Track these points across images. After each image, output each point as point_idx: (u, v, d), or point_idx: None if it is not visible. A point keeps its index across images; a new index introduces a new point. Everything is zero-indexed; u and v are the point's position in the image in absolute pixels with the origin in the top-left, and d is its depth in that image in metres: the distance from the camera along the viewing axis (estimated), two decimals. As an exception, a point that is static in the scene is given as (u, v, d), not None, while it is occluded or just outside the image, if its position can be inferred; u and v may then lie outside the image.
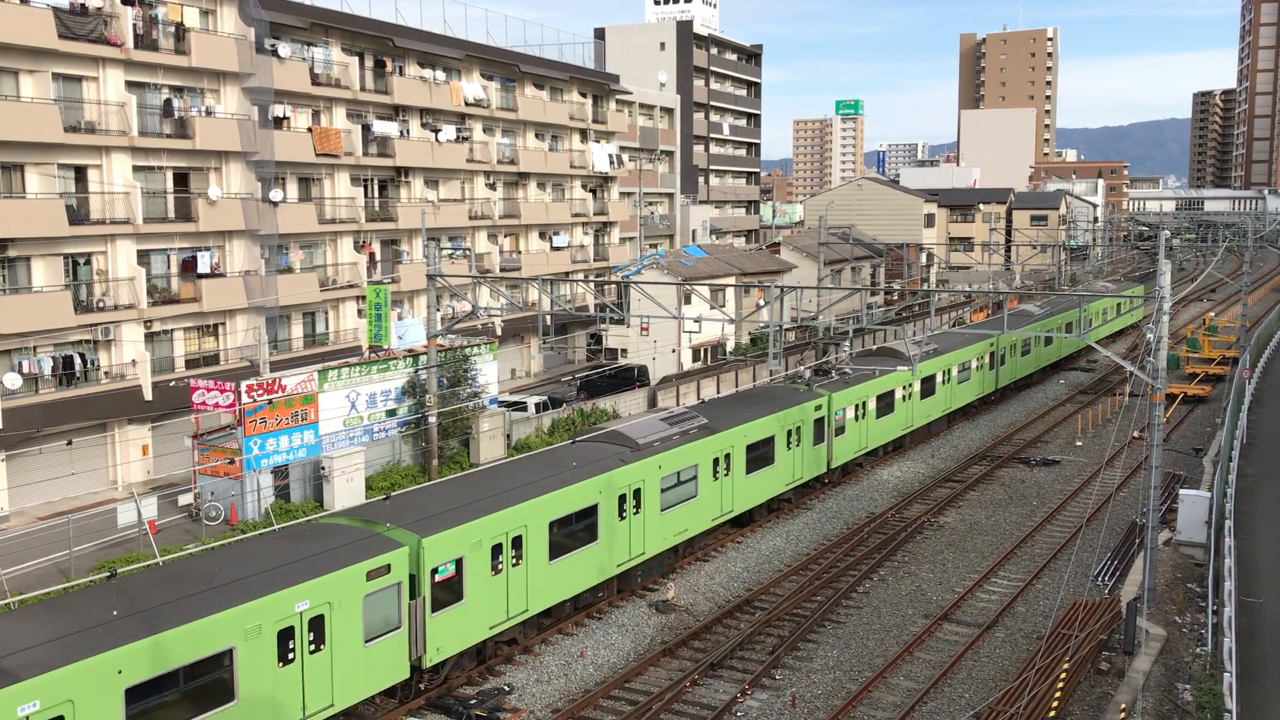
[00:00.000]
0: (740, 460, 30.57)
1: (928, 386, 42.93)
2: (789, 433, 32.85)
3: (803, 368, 42.53)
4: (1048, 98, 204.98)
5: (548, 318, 37.10)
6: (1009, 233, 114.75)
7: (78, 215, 35.10)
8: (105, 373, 35.87)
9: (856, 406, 37.03)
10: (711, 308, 44.62)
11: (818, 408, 34.64)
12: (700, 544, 30.04)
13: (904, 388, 40.63)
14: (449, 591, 21.14)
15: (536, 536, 23.41)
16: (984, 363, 48.58)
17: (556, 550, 24.03)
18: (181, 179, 39.40)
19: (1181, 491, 30.52)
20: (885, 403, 39.33)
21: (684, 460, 28.18)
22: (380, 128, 48.22)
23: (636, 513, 26.41)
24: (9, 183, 33.85)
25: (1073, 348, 61.84)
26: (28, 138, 33.01)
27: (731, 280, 58.29)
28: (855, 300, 69.22)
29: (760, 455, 31.55)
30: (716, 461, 29.54)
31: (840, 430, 36.11)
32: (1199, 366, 57.27)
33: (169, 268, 38.78)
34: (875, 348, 46.47)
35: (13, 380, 32.26)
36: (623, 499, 25.89)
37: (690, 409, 30.96)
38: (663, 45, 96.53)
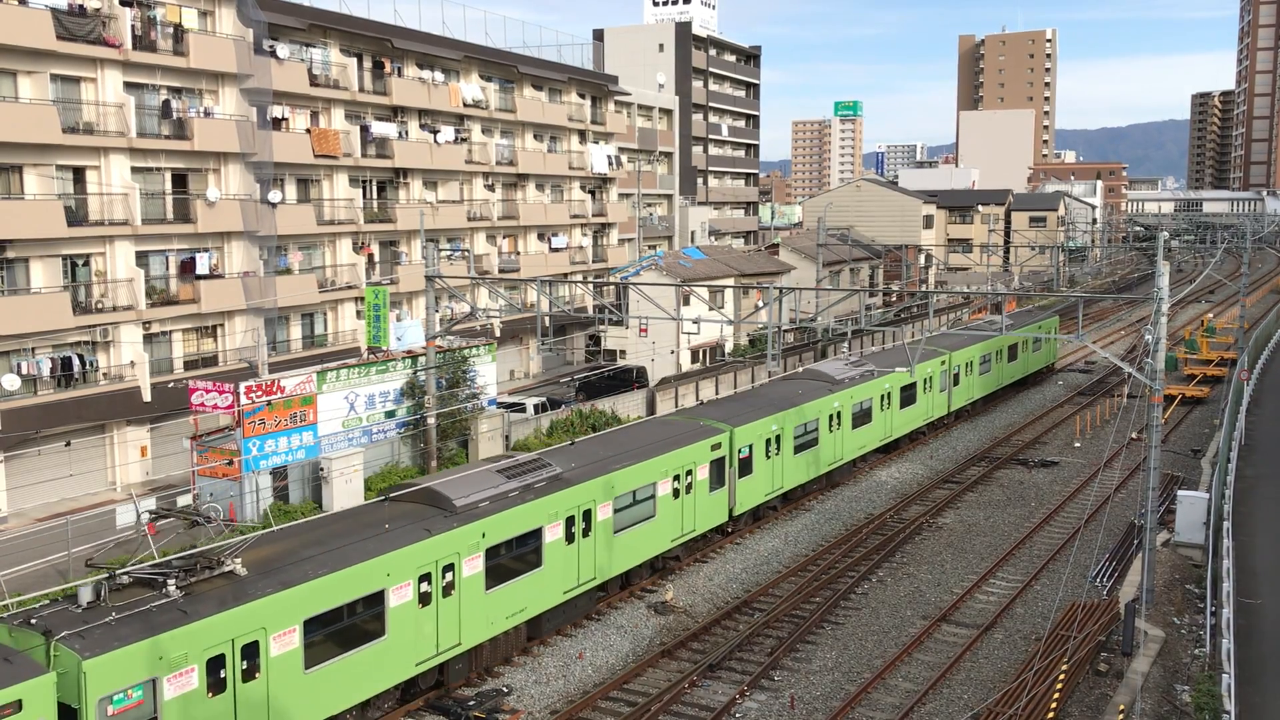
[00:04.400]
0: (605, 517, 25.34)
1: (861, 413, 38.01)
2: (677, 477, 27.89)
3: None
4: (1046, 99, 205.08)
5: (546, 319, 37.08)
6: (1008, 234, 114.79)
7: (76, 216, 35.10)
8: (104, 374, 35.86)
9: (768, 441, 32.06)
10: (710, 309, 44.70)
11: (715, 446, 29.63)
12: (549, 626, 24.37)
13: (832, 416, 35.85)
14: None
15: (284, 642, 17.91)
16: (932, 383, 43.86)
17: (317, 656, 18.62)
18: (180, 180, 39.40)
19: (1180, 493, 30.53)
20: (805, 435, 34.41)
21: (522, 523, 22.90)
22: (379, 129, 48.23)
23: (448, 595, 21.12)
24: (7, 184, 33.84)
25: (1042, 361, 57.71)
26: (26, 139, 33.00)
27: (730, 281, 58.31)
28: (854, 302, 69.29)
29: (635, 508, 26.41)
30: (571, 521, 24.30)
31: (745, 470, 31.03)
32: (1197, 368, 57.32)
33: (167, 269, 38.78)
34: (801, 369, 40.25)
35: (11, 381, 32.24)
36: (427, 578, 20.66)
37: (542, 455, 25.50)
38: (661, 46, 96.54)
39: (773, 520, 33.64)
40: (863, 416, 37.88)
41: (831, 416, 35.67)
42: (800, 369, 40.87)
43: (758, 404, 33.21)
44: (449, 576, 21.20)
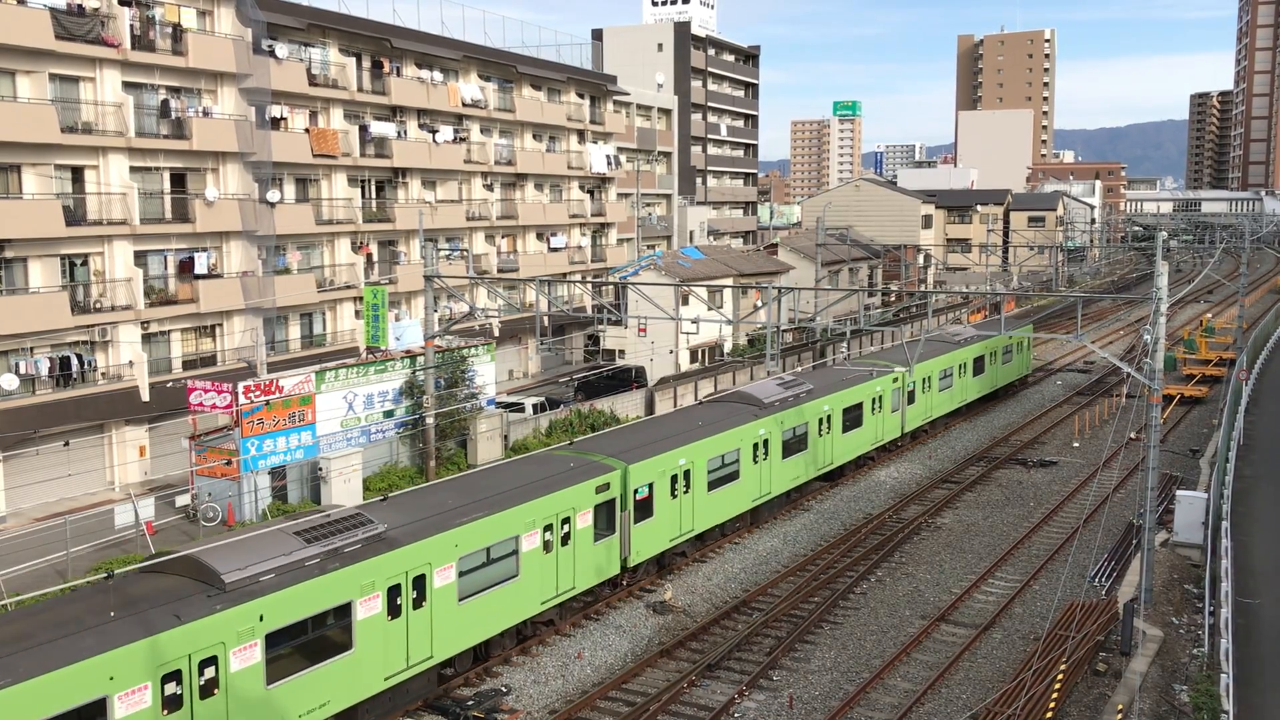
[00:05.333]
0: (446, 583, 20.98)
1: (794, 440, 33.84)
2: (549, 527, 23.61)
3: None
4: (1045, 99, 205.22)
5: (545, 319, 37.11)
6: (1006, 234, 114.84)
7: (75, 216, 35.08)
8: (102, 374, 35.84)
9: (673, 478, 27.76)
10: (709, 309, 44.70)
11: (602, 487, 25.22)
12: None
13: (757, 445, 31.69)
14: None
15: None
16: (881, 403, 39.64)
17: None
18: (179, 180, 39.38)
19: (1178, 493, 30.54)
20: (723, 468, 30.17)
21: (322, 598, 18.59)
22: (378, 128, 48.22)
23: (209, 696, 16.83)
24: (6, 183, 33.82)
25: (1014, 373, 53.75)
26: (24, 138, 32.98)
27: (729, 281, 58.31)
28: (853, 301, 69.33)
29: (490, 568, 22.19)
30: (397, 590, 19.91)
31: (644, 512, 26.88)
32: (1196, 368, 57.35)
33: (166, 269, 38.76)
34: (730, 391, 35.44)
35: (10, 381, 32.23)
36: (175, 677, 16.28)
37: (364, 510, 21.15)
38: (660, 46, 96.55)
39: (772, 520, 33.64)
40: (796, 443, 33.76)
41: (756, 445, 31.52)
42: (730, 390, 35.68)
43: (664, 434, 28.92)
44: (210, 673, 16.77)
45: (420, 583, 20.54)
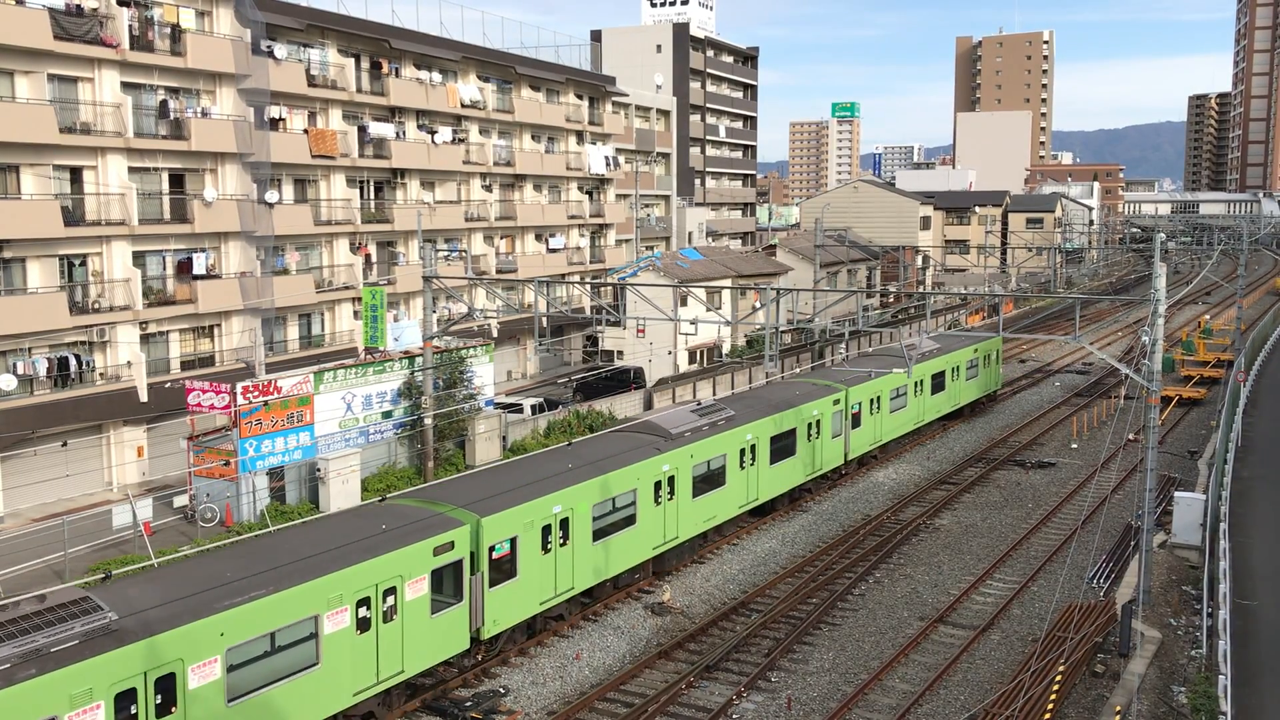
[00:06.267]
0: (205, 682, 16.92)
1: (709, 475, 29.59)
2: (365, 601, 19.35)
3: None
4: (1044, 100, 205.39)
5: (544, 319, 37.07)
6: (1005, 235, 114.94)
7: (73, 216, 35.06)
8: (100, 374, 35.82)
9: (546, 528, 23.65)
10: (708, 310, 44.67)
11: (442, 548, 20.86)
12: None
13: (659, 483, 27.43)
14: None
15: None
16: (819, 428, 35.32)
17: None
18: (177, 180, 39.37)
19: (1177, 494, 30.55)
20: (614, 512, 25.89)
21: (38, 707, 14.68)
22: (376, 129, 48.22)
23: None
24: (4, 184, 33.80)
25: (979, 389, 49.24)
26: (23, 139, 32.96)
27: (728, 282, 58.33)
28: (851, 303, 69.35)
29: (275, 658, 18.07)
30: (129, 698, 15.90)
31: (504, 573, 22.51)
32: (1194, 369, 57.40)
33: (164, 269, 38.74)
34: (638, 420, 31.13)
35: (8, 381, 32.21)
36: None
37: (96, 592, 16.91)
38: (659, 47, 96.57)
39: (771, 521, 33.63)
40: (712, 479, 29.76)
41: (659, 483, 27.34)
42: (636, 418, 31.59)
43: (539, 476, 24.70)
44: None
45: (167, 685, 16.33)
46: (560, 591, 24.26)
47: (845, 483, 38.19)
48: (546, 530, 23.64)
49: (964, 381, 47.26)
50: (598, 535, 25.33)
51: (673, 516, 28.08)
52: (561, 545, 24.14)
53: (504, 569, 22.54)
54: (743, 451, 31.07)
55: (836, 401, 36.26)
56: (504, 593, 22.55)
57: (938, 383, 44.46)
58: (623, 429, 30.10)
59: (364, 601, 19.35)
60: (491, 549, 22.17)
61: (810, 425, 34.63)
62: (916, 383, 42.28)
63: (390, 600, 19.87)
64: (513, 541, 22.72)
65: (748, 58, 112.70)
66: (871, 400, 38.64)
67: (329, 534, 20.29)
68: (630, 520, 26.43)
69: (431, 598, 20.70)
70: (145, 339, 37.62)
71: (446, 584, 21.28)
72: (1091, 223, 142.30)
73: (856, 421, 37.65)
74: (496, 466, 26.48)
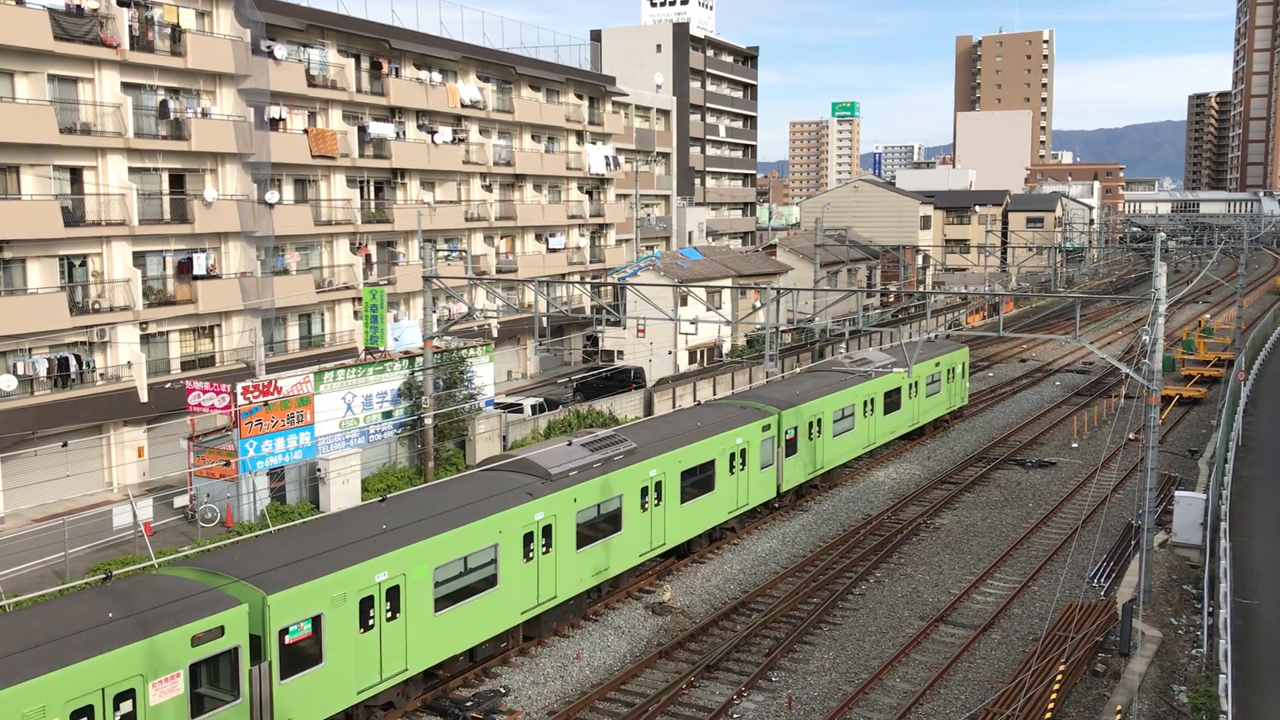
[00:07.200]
0: None
1: (599, 521, 25.41)
2: (83, 713, 15.24)
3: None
4: (1044, 100, 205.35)
5: (544, 319, 37.03)
6: (1005, 235, 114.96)
7: (73, 217, 35.06)
8: (101, 374, 35.82)
9: (367, 601, 19.44)
10: (708, 310, 44.70)
11: (204, 636, 16.82)
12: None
13: (534, 534, 23.29)
14: None
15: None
16: (744, 457, 31.11)
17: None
18: (177, 180, 39.37)
19: (1177, 493, 30.57)
20: (466, 574, 21.70)
21: None
22: (376, 129, 48.22)
23: None
24: (4, 184, 33.80)
25: (943, 406, 45.37)
26: (23, 139, 32.96)
27: (728, 282, 58.33)
28: (851, 302, 69.33)
29: None
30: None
31: (303, 662, 18.43)
32: (1194, 369, 57.39)
33: (165, 269, 38.74)
34: (514, 458, 25.74)
35: (8, 382, 32.22)
36: None
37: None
38: (659, 47, 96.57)
39: (770, 521, 33.62)
40: (603, 524, 25.58)
41: (531, 535, 23.17)
42: (514, 454, 26.38)
43: (363, 534, 20.43)
44: None
45: None
46: (388, 676, 20.09)
47: (845, 482, 38.17)
48: (367, 603, 19.47)
49: (923, 399, 43.32)
50: (443, 603, 21.18)
51: (549, 573, 23.86)
52: (390, 619, 19.95)
53: (303, 655, 18.42)
54: (645, 490, 26.94)
55: (766, 427, 32.17)
56: (303, 684, 18.40)
57: (892, 401, 40.50)
58: (496, 468, 25.41)
59: (84, 712, 15.29)
60: (284, 631, 17.97)
61: (733, 455, 30.53)
62: (866, 401, 38.45)
63: (127, 706, 15.90)
64: (316, 620, 18.49)
65: (748, 57, 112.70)
66: (811, 423, 34.70)
67: (34, 629, 15.92)
68: (490, 581, 22.32)
69: (190, 700, 16.70)
70: (145, 339, 37.62)
71: (224, 676, 17.19)
72: (1092, 222, 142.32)
73: (791, 448, 33.69)
74: (319, 520, 22.49)
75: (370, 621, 19.63)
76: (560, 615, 24.85)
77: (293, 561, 18.92)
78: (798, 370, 45.81)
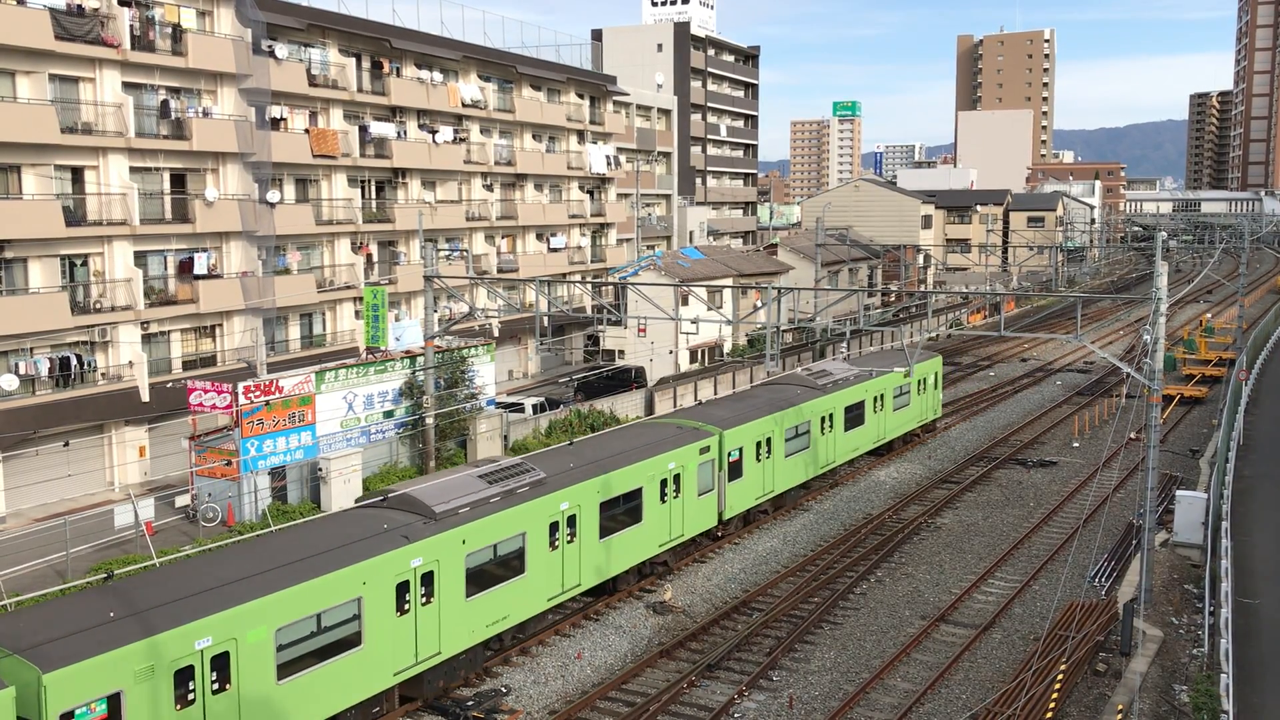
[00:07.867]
0: None
1: (495, 564, 22.46)
2: None
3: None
4: (1045, 99, 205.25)
5: (545, 319, 37.00)
6: (1006, 234, 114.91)
7: (74, 216, 35.08)
8: (102, 374, 35.84)
9: (181, 673, 16.43)
10: (709, 309, 44.72)
11: None
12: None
13: (410, 583, 20.37)
14: None
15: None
16: (678, 484, 28.18)
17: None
18: (178, 180, 39.39)
19: (1178, 493, 30.56)
20: (323, 633, 18.79)
21: None
22: (377, 129, 48.23)
23: None
24: (5, 184, 33.82)
25: (913, 419, 42.48)
26: (24, 139, 32.98)
27: (729, 281, 58.33)
28: (852, 302, 69.35)
29: None
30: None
31: None
32: (1196, 368, 57.37)
33: (166, 269, 38.77)
34: (395, 494, 22.38)
35: (9, 381, 32.24)
36: None
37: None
38: (660, 47, 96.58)
39: (770, 521, 33.62)
40: (499, 569, 22.57)
41: (407, 585, 20.29)
42: (395, 489, 22.88)
43: (201, 586, 17.53)
44: None
45: None
46: None
47: (846, 482, 38.16)
48: (185, 675, 16.47)
49: (890, 412, 40.27)
50: (289, 669, 18.11)
51: (430, 627, 20.88)
52: (216, 692, 16.91)
53: None
54: (555, 525, 24.04)
55: (705, 450, 29.23)
56: None
57: (854, 415, 37.58)
58: (373, 504, 22.30)
59: None
60: (67, 716, 15.01)
61: (664, 482, 27.61)
62: (824, 417, 35.50)
63: None
64: (113, 700, 15.53)
65: (749, 57, 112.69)
66: (758, 443, 31.60)
67: None
68: (355, 641, 19.29)
69: None
70: (147, 339, 37.65)
71: None
72: (1093, 221, 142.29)
73: (736, 471, 30.64)
74: (137, 576, 18.48)
75: (190, 697, 16.53)
76: (449, 671, 21.73)
77: (89, 628, 15.72)
78: (749, 385, 42.82)
